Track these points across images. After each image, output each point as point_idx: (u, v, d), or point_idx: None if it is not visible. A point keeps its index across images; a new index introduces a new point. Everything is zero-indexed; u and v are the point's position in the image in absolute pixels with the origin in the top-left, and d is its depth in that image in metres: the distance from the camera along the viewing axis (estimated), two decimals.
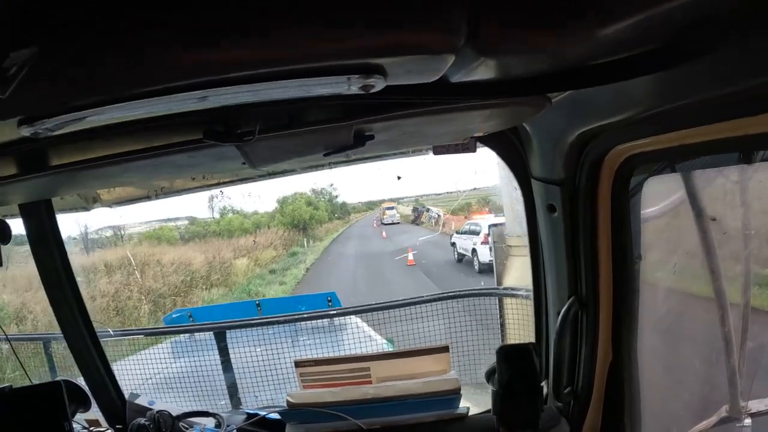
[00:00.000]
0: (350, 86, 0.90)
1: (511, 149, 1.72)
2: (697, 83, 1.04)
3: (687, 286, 1.79)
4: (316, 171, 1.97)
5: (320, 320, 4.53)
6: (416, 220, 31.07)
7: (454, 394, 1.86)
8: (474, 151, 1.66)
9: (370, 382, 1.94)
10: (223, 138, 1.09)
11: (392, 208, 33.32)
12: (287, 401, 1.92)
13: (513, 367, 1.71)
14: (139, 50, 0.75)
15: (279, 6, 0.75)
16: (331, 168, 1.85)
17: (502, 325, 4.08)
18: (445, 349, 1.95)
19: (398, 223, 31.83)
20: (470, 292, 4.37)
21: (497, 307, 4.28)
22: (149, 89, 0.83)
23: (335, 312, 4.39)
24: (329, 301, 4.66)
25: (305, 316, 4.27)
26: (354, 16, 0.77)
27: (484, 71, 0.99)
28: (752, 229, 1.65)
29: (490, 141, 1.70)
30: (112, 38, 0.74)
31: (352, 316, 4.59)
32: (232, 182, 2.07)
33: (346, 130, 1.20)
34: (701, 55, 0.97)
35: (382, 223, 31.44)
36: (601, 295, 1.65)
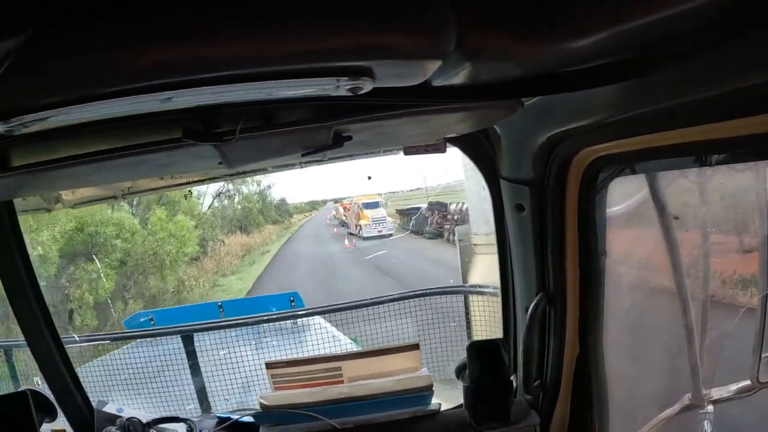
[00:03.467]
0: (339, 88, 0.90)
1: (481, 150, 1.75)
2: (661, 93, 1.10)
3: (651, 280, 1.85)
4: (287, 170, 1.95)
5: (284, 321, 4.48)
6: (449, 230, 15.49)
7: (427, 391, 1.88)
8: (444, 151, 1.68)
9: (342, 382, 1.95)
10: (203, 138, 1.07)
11: (377, 204, 19.89)
12: (260, 403, 1.91)
13: (483, 363, 1.75)
14: (119, 47, 0.74)
15: (273, 5, 0.75)
16: (302, 167, 1.83)
17: (468, 322, 4.11)
18: (415, 347, 1.97)
19: (390, 234, 18.96)
20: (436, 290, 4.37)
21: (463, 304, 4.31)
22: (128, 87, 0.81)
23: (300, 312, 4.34)
24: (292, 301, 4.60)
25: (271, 317, 4.22)
26: (347, 17, 0.77)
27: (463, 76, 1.02)
28: (713, 227, 1.72)
29: (459, 142, 1.73)
30: (91, 35, 0.72)
31: (316, 317, 4.56)
32: (201, 181, 2.04)
33: (325, 131, 1.20)
34: (665, 67, 1.02)
35: (362, 237, 19.00)
36: (568, 290, 1.69)
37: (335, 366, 1.95)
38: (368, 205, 19.90)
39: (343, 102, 1.05)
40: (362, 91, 0.93)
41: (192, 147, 1.14)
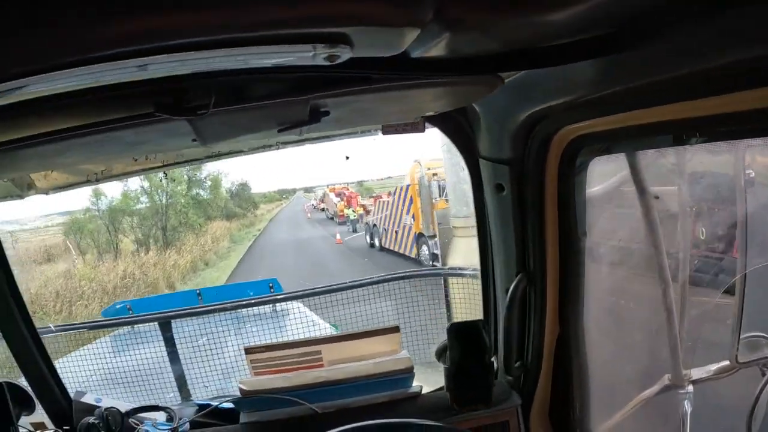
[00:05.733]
0: (315, 56, 0.87)
1: (459, 129, 1.73)
2: (638, 70, 1.10)
3: (632, 261, 1.85)
4: (264, 151, 1.91)
5: (263, 307, 4.43)
6: None
7: (407, 374, 1.87)
8: (422, 131, 1.66)
9: (321, 366, 1.92)
10: (176, 111, 1.02)
11: None
12: (240, 389, 1.88)
13: (464, 344, 1.74)
14: (78, 13, 0.69)
15: None
16: (279, 148, 1.79)
17: (448, 304, 4.12)
18: (395, 329, 1.95)
19: None
20: (415, 273, 4.38)
21: (442, 287, 4.32)
22: (90, 56, 0.76)
23: (279, 297, 4.29)
24: (271, 287, 4.56)
25: (251, 302, 4.17)
26: None
27: (443, 48, 0.99)
28: (693, 207, 1.72)
29: (438, 121, 1.70)
30: (60, 4, 0.68)
31: (295, 302, 4.52)
32: (176, 164, 1.98)
33: (302, 105, 1.17)
34: (644, 43, 1.02)
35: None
36: (548, 271, 1.69)
37: (315, 350, 1.92)
38: None
39: (319, 74, 1.03)
40: (339, 60, 0.89)
41: (163, 123, 1.10)
